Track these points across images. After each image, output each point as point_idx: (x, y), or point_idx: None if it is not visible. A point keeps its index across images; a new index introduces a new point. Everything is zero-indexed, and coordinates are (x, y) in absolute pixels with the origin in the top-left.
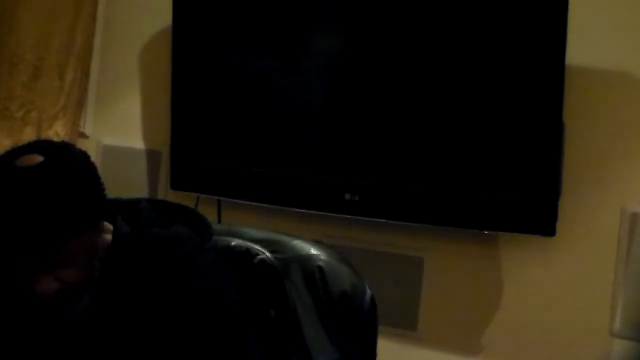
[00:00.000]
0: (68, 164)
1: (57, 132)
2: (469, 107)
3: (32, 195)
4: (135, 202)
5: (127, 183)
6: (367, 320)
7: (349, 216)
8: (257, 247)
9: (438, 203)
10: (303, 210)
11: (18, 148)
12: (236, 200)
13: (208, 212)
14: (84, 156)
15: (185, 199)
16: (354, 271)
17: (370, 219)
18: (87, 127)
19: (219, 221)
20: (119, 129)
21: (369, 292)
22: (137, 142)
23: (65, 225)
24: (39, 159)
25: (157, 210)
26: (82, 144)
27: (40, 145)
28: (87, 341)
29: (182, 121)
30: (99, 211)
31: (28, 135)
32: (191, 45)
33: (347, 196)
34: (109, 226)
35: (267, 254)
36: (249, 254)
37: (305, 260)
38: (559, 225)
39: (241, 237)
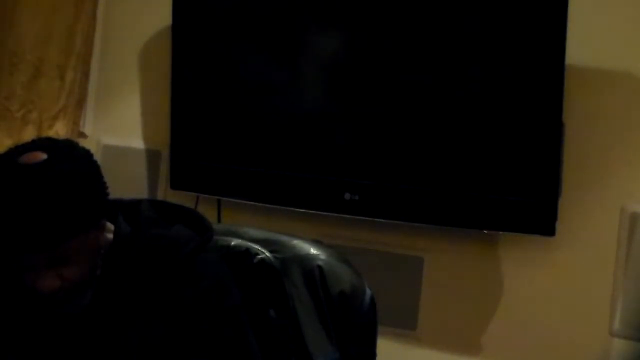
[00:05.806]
0: (72, 162)
1: (58, 132)
2: (469, 107)
3: (36, 192)
4: (136, 203)
5: (127, 183)
6: (367, 320)
7: (349, 216)
8: (257, 247)
9: (438, 203)
10: (303, 210)
11: (22, 146)
12: (236, 200)
13: (208, 212)
14: (87, 155)
15: (185, 199)
16: (354, 271)
17: (370, 219)
18: (87, 127)
19: (219, 221)
20: (119, 129)
21: (368, 292)
22: (137, 142)
23: (68, 224)
24: (43, 156)
25: (158, 211)
26: (82, 144)
27: (44, 143)
28: (88, 339)
29: (182, 121)
30: (102, 210)
31: (29, 135)
32: (191, 45)
33: (347, 196)
34: (110, 226)
35: (267, 254)
36: (249, 254)
37: (305, 260)
38: (559, 225)
39: (241, 237)
